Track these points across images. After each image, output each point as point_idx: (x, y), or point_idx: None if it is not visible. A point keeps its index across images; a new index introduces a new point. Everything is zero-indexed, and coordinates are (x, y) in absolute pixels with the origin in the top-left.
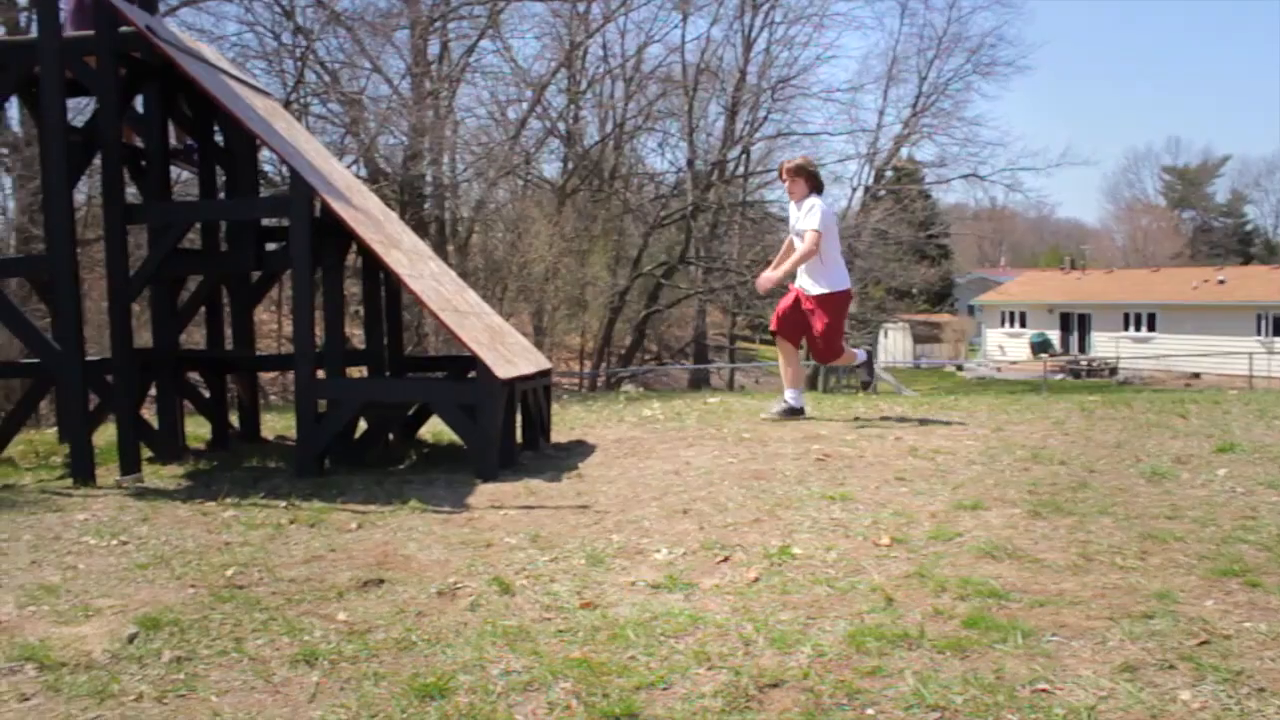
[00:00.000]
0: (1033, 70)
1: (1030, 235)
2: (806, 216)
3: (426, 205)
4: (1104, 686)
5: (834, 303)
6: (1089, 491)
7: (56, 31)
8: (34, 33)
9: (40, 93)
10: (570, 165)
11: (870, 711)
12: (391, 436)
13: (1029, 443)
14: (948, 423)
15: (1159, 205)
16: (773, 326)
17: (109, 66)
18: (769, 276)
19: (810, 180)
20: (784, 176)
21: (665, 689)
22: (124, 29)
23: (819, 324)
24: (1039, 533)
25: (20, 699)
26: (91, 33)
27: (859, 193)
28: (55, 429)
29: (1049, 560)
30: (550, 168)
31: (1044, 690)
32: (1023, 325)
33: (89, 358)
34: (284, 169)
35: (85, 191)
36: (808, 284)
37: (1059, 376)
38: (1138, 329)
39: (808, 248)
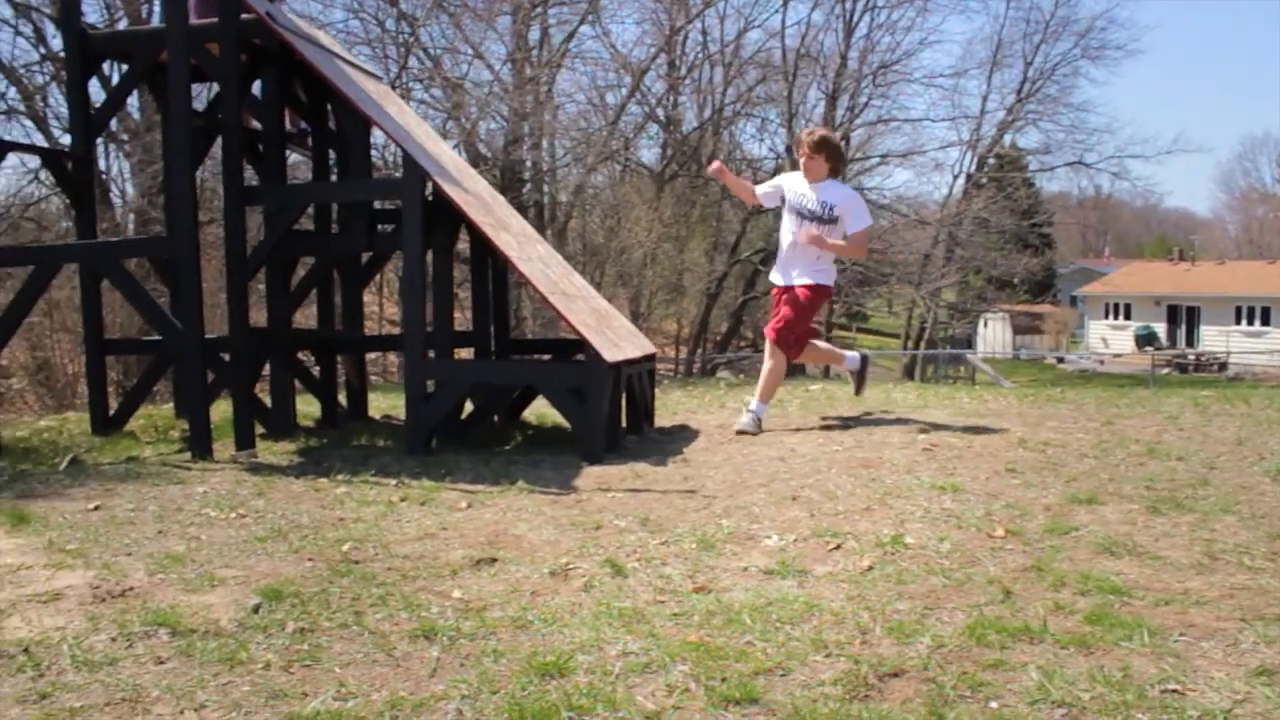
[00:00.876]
0: (1144, 54)
1: (1136, 225)
2: (857, 214)
3: (525, 189)
4: (1239, 690)
5: (811, 295)
6: (1210, 489)
7: (183, 20)
8: (156, 22)
9: (167, 79)
10: (669, 151)
11: (994, 705)
12: (496, 418)
13: (1143, 437)
14: (1056, 415)
15: (1276, 194)
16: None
17: (232, 53)
18: (816, 236)
19: (833, 159)
20: (804, 150)
21: (784, 675)
22: (246, 16)
23: (785, 309)
24: (1159, 529)
25: (157, 662)
26: (214, 20)
27: (960, 180)
28: (172, 404)
29: (1171, 558)
30: (648, 153)
31: (1175, 691)
32: (1127, 317)
33: (206, 336)
34: (393, 152)
35: (199, 176)
36: (792, 275)
37: (1165, 370)
38: (1250, 323)
39: (859, 250)
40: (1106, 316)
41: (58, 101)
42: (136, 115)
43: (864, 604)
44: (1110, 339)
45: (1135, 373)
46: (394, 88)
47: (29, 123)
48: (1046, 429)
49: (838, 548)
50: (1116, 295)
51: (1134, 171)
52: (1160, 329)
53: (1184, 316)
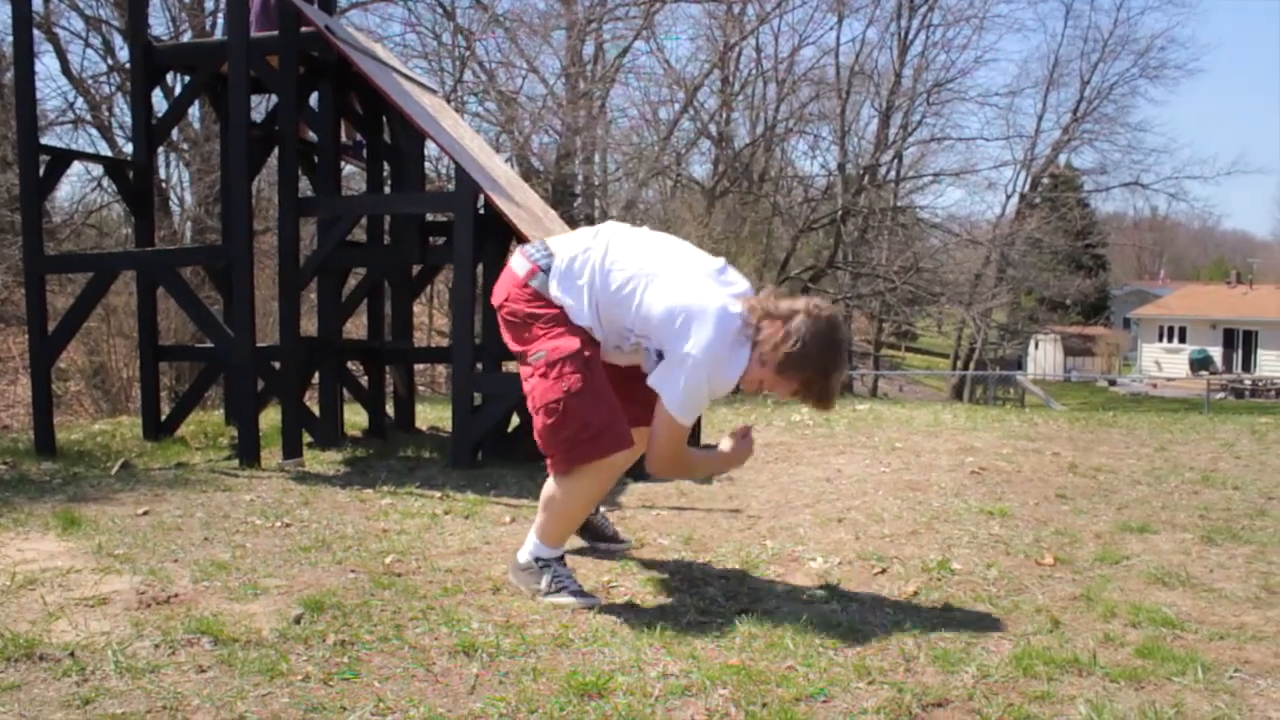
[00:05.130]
0: (1204, 73)
1: (1193, 247)
2: None
3: (577, 203)
4: None
5: None
6: (1268, 519)
7: (244, 33)
8: (219, 35)
9: (227, 91)
10: (720, 167)
11: None
12: None
13: (1197, 464)
14: (1107, 440)
15: None
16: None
17: (291, 66)
18: None
19: None
20: None
21: (825, 701)
22: (305, 30)
23: None
24: (1214, 560)
25: (198, 670)
26: (275, 34)
27: (1014, 199)
28: (221, 411)
29: (1227, 590)
30: (700, 169)
31: None
32: (1182, 341)
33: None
34: (446, 165)
35: (255, 185)
36: None
37: (1220, 395)
38: None
39: None
40: (1160, 340)
41: (122, 111)
42: (197, 125)
43: (909, 630)
44: (1164, 362)
45: (1189, 397)
46: (449, 101)
47: (94, 132)
48: (1098, 454)
49: (883, 572)
50: (1171, 318)
51: (1192, 192)
52: (1216, 353)
53: (1241, 340)
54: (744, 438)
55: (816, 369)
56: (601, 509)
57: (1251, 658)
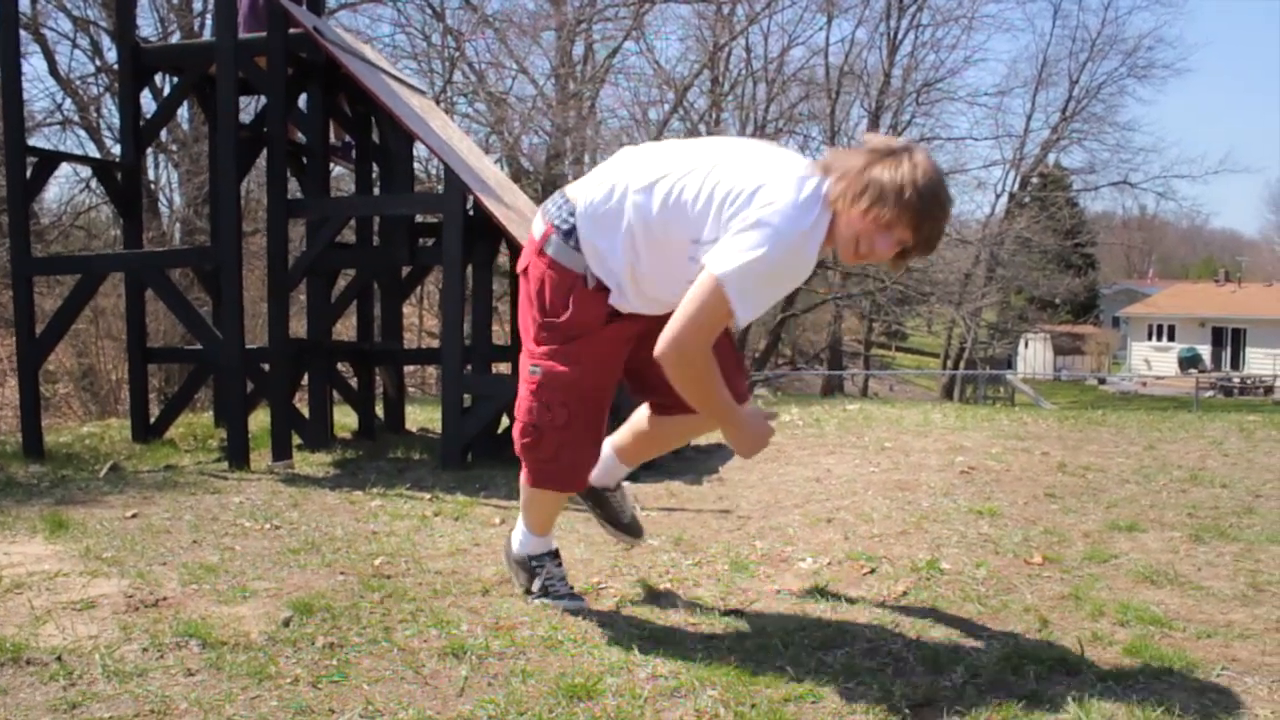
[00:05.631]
0: (1192, 73)
1: (1181, 246)
2: None
3: None
4: None
5: None
6: (1255, 517)
7: (233, 34)
8: (207, 36)
9: (216, 92)
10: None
11: None
12: None
13: (1186, 463)
14: (1096, 439)
15: None
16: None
17: (279, 67)
18: None
19: None
20: None
21: (814, 702)
22: (294, 31)
23: None
24: (1202, 558)
25: (186, 674)
26: (263, 35)
27: (1003, 199)
28: (211, 413)
29: (1214, 588)
30: None
31: None
32: (1170, 339)
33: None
34: (436, 166)
35: (244, 187)
36: None
37: (1209, 393)
38: None
39: None
40: (1149, 338)
41: (110, 112)
42: (186, 126)
43: (898, 630)
44: (1153, 361)
45: (1178, 395)
46: (438, 101)
47: (82, 133)
48: (1087, 453)
49: (872, 572)
50: (1160, 317)
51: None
52: (1205, 351)
53: (1229, 339)
54: (767, 419)
55: (931, 209)
56: (625, 484)
57: (1239, 655)
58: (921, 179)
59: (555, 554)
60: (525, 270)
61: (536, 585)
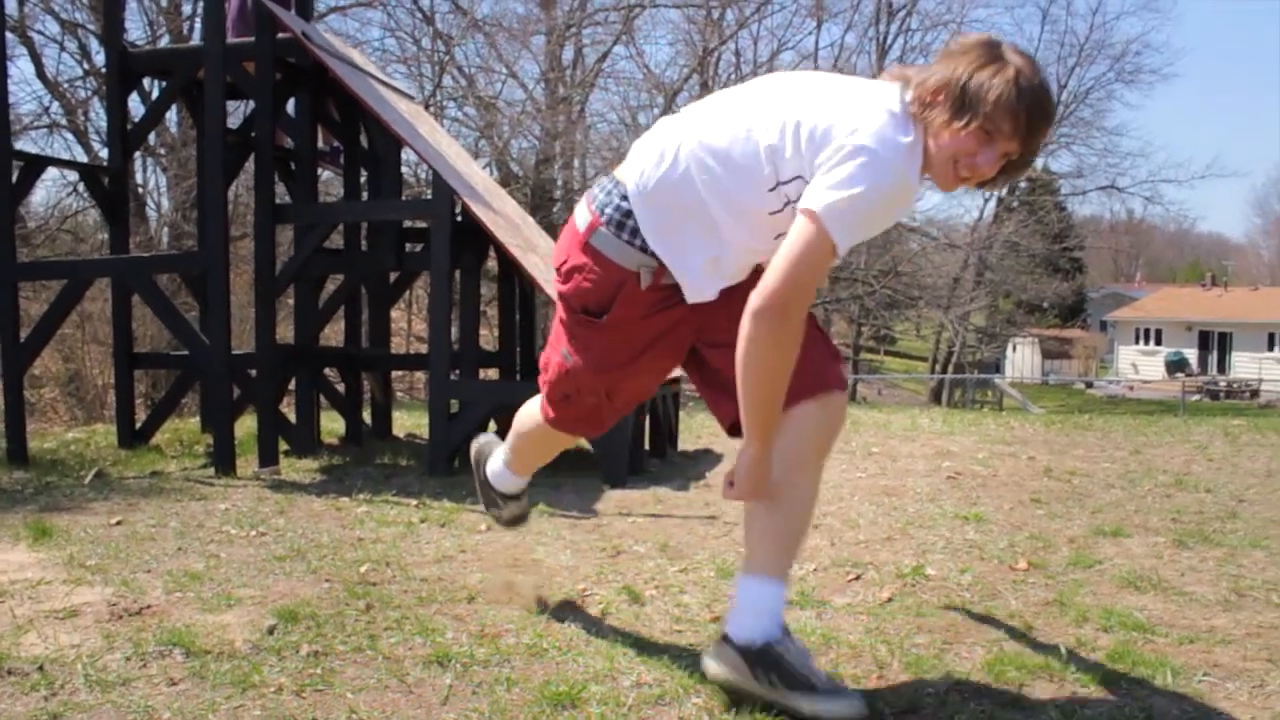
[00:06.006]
0: (1179, 77)
1: (1169, 250)
2: None
3: (556, 209)
4: None
5: None
6: (1239, 522)
7: (221, 39)
8: (196, 40)
9: (203, 97)
10: None
11: None
12: None
13: (1171, 467)
14: (1083, 443)
15: None
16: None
17: (268, 72)
18: None
19: None
20: None
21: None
22: (282, 36)
23: None
24: (1185, 564)
25: (170, 683)
26: (251, 40)
27: (991, 203)
28: (198, 418)
29: (1197, 594)
30: None
31: None
32: (1158, 343)
33: (233, 352)
34: (425, 170)
35: (232, 190)
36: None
37: (1195, 397)
38: None
39: None
40: (1137, 342)
41: (98, 116)
42: (174, 130)
43: (882, 637)
44: (1140, 364)
45: (1165, 399)
46: (428, 106)
47: (70, 136)
48: (1073, 457)
49: (857, 578)
50: (1147, 320)
51: (1167, 196)
52: (1191, 355)
53: (1216, 342)
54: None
55: (1038, 114)
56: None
57: (1220, 661)
58: (1024, 82)
59: (521, 494)
60: (563, 266)
61: (497, 514)
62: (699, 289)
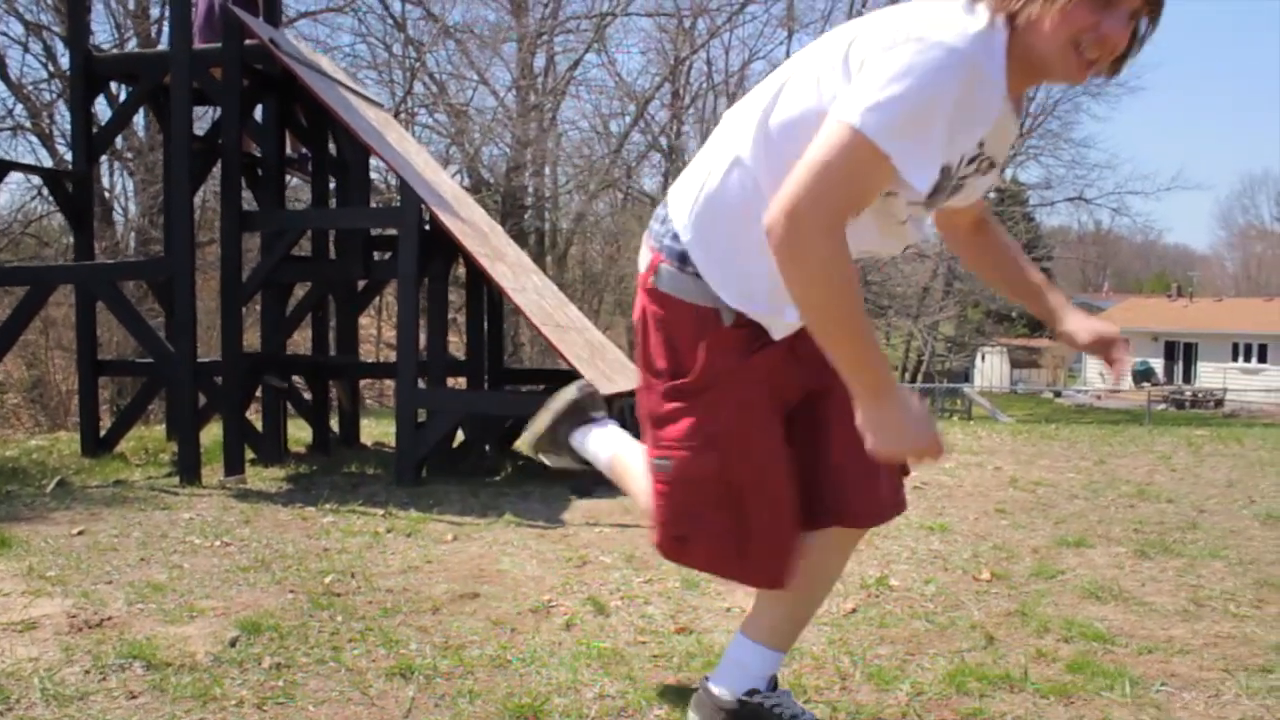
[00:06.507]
0: (1145, 91)
1: (1136, 261)
2: None
3: (527, 216)
4: None
5: None
6: (1199, 532)
7: (188, 44)
8: (164, 44)
9: (169, 102)
10: (670, 180)
11: None
12: (488, 447)
13: (1134, 478)
14: (1049, 453)
15: (1275, 231)
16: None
17: (235, 78)
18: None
19: None
20: None
21: None
22: (249, 42)
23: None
24: (1146, 574)
25: (129, 696)
26: (218, 45)
27: None
28: (163, 426)
29: (1157, 604)
30: (651, 181)
31: None
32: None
33: (199, 359)
34: (394, 179)
35: (200, 196)
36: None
37: (1161, 406)
38: (1247, 360)
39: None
40: None
41: (64, 119)
42: (141, 134)
43: (845, 648)
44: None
45: (1131, 408)
46: (399, 112)
47: (35, 139)
48: (1038, 468)
49: None
50: None
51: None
52: (1158, 365)
53: (1181, 353)
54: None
55: None
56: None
57: (1178, 671)
58: None
59: (774, 682)
60: (640, 319)
61: (550, 455)
62: (775, 304)
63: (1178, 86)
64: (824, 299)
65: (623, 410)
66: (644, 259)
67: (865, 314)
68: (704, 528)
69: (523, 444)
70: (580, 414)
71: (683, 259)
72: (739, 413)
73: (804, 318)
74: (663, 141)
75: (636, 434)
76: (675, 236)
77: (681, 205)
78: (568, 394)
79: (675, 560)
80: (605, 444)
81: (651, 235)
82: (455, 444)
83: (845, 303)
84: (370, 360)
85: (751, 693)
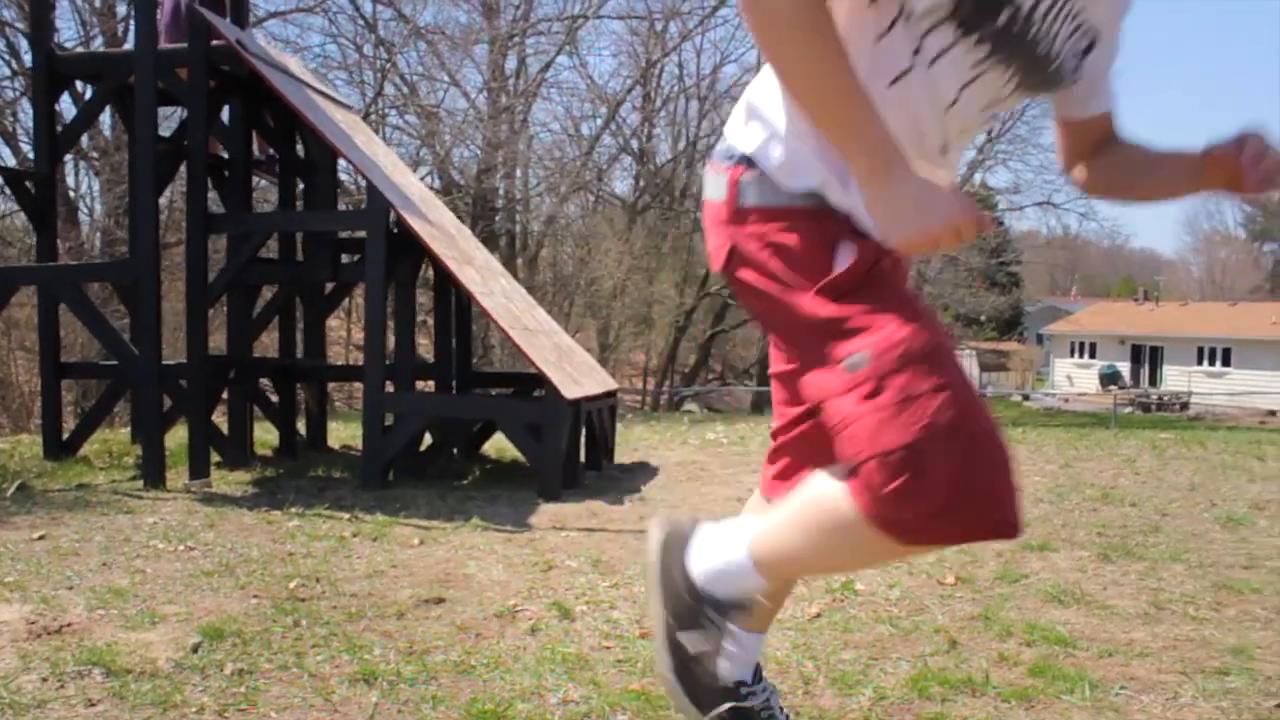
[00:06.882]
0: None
1: (1103, 265)
2: None
3: (498, 218)
4: None
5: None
6: (1161, 536)
7: (152, 44)
8: (130, 43)
9: (134, 103)
10: (641, 183)
11: None
12: (455, 451)
13: (1099, 481)
14: (1015, 457)
15: (1239, 237)
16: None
17: (201, 79)
18: None
19: None
20: None
21: None
22: (216, 43)
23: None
24: (1108, 578)
25: (87, 704)
26: (184, 46)
27: None
28: (128, 429)
29: (1118, 607)
30: (622, 184)
31: None
32: (1092, 356)
33: (164, 362)
34: (361, 181)
35: (167, 196)
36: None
37: (1128, 409)
38: (1212, 363)
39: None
40: (1072, 355)
41: (27, 116)
42: (107, 133)
43: (809, 653)
44: (1075, 377)
45: (1099, 411)
46: (369, 113)
47: None
48: None
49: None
50: (1082, 334)
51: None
52: (1124, 368)
53: (1147, 356)
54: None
55: None
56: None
57: (1137, 674)
58: None
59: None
60: (730, 258)
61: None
62: (836, 185)
63: (1144, 90)
64: (799, 61)
65: (590, 414)
66: (717, 190)
67: (856, 82)
68: (933, 428)
69: (663, 670)
70: (681, 541)
71: (762, 160)
72: (906, 290)
73: (788, 93)
74: (634, 144)
75: (600, 435)
76: (755, 138)
77: (738, 118)
78: (652, 545)
79: (908, 511)
80: (725, 542)
81: (717, 162)
82: (423, 447)
83: (825, 66)
84: (339, 363)
85: (739, 684)
